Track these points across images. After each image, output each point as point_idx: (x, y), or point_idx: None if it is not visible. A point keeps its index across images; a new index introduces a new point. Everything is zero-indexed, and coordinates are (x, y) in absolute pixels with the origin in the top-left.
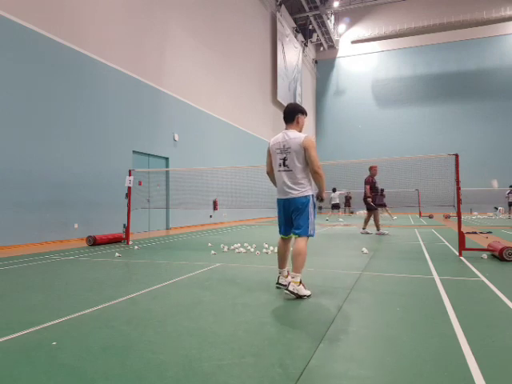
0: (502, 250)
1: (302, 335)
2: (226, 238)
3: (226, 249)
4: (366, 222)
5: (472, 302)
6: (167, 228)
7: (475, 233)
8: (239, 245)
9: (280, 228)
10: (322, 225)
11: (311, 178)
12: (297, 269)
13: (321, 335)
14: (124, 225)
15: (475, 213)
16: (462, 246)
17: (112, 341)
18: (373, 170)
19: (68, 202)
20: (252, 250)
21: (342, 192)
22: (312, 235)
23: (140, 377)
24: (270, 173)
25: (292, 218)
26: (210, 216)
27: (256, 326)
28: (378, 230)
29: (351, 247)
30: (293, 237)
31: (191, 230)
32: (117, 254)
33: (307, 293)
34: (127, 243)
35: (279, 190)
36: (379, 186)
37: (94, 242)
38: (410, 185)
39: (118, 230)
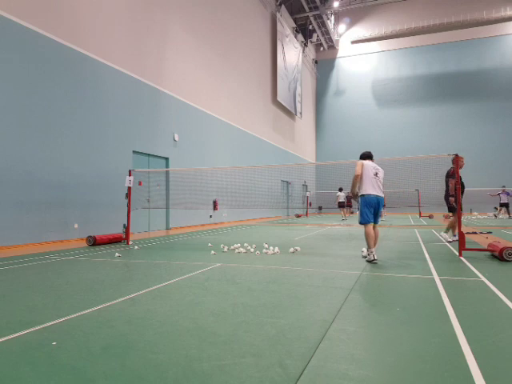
0: (501, 250)
1: (302, 335)
2: (226, 238)
3: (225, 249)
4: (453, 226)
5: (472, 301)
6: (167, 228)
7: (475, 233)
8: (239, 245)
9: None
10: (322, 225)
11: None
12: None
13: (321, 335)
14: (124, 225)
15: (475, 213)
16: (461, 246)
17: (112, 341)
18: (460, 161)
19: (68, 202)
20: (252, 250)
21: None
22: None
23: (140, 377)
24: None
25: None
26: (210, 216)
27: (256, 325)
28: (454, 234)
29: (351, 247)
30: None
31: (191, 230)
32: (117, 254)
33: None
34: (127, 243)
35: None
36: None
37: (93, 242)
38: (410, 185)
39: (118, 230)
